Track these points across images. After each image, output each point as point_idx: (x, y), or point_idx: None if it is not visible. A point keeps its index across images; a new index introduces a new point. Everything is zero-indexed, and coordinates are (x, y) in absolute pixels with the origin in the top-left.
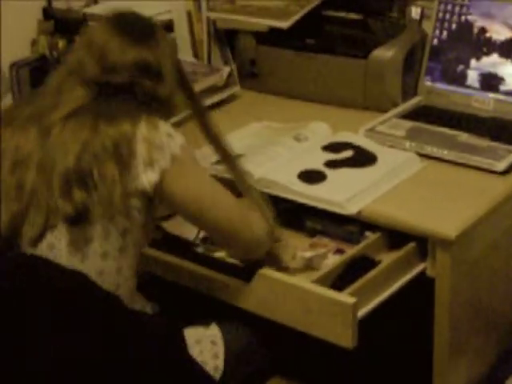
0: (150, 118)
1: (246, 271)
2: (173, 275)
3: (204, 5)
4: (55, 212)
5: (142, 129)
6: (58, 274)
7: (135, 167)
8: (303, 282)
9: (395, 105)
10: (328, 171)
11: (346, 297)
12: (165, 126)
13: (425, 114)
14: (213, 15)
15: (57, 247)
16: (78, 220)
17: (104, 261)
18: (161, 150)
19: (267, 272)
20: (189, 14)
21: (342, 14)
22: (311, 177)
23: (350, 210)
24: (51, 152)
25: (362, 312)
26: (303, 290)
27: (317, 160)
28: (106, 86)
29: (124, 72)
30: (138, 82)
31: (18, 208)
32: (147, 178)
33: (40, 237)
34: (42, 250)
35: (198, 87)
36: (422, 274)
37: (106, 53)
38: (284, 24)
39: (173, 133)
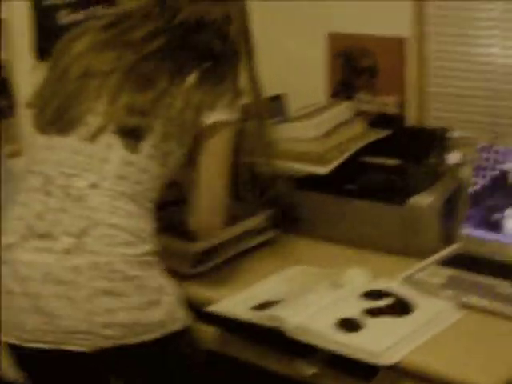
0: None
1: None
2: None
3: (243, 149)
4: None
5: None
6: None
7: None
8: None
9: (434, 251)
10: (365, 320)
11: None
12: None
13: (464, 262)
14: (252, 160)
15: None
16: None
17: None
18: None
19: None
20: None
21: (380, 160)
22: (349, 325)
23: (388, 360)
24: None
25: None
26: None
27: (354, 308)
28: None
29: None
30: None
31: None
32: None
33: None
34: None
35: (238, 229)
36: None
37: None
38: (323, 170)
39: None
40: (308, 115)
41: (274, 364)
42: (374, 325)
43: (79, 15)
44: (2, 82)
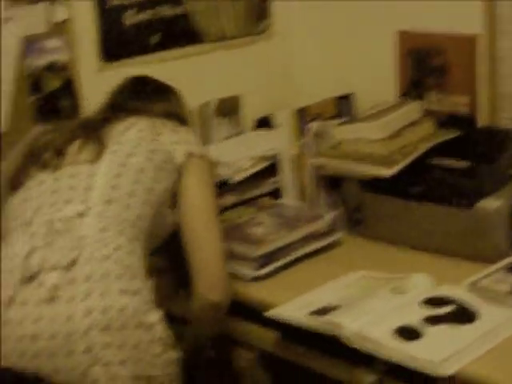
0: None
1: None
2: None
3: (310, 150)
4: None
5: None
6: None
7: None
8: None
9: (502, 257)
10: (425, 328)
11: None
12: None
13: None
14: (318, 161)
15: None
16: None
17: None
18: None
19: None
20: (295, 158)
21: (447, 162)
22: (408, 333)
23: (445, 371)
24: None
25: None
26: None
27: (414, 315)
28: None
29: None
30: None
31: None
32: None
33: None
34: None
35: (301, 233)
36: None
37: None
38: (387, 172)
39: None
40: (375, 116)
41: (333, 370)
42: (433, 333)
43: (145, 15)
44: (66, 83)
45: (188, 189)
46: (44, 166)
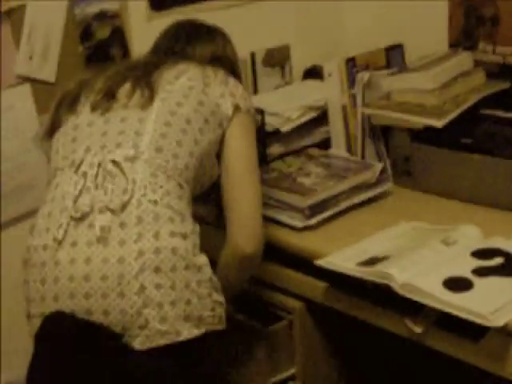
0: None
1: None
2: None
3: (359, 100)
4: None
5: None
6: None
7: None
8: None
9: None
10: (475, 279)
11: None
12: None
13: None
14: (367, 111)
15: None
16: None
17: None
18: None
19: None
20: (344, 109)
21: (499, 113)
22: (457, 285)
23: (496, 322)
24: None
25: None
26: None
27: (464, 267)
28: None
29: None
30: None
31: None
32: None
33: None
34: None
35: (349, 183)
36: None
37: None
38: (439, 123)
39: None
40: (426, 66)
41: (382, 320)
42: (483, 285)
43: None
44: (115, 32)
45: (232, 139)
46: (94, 108)
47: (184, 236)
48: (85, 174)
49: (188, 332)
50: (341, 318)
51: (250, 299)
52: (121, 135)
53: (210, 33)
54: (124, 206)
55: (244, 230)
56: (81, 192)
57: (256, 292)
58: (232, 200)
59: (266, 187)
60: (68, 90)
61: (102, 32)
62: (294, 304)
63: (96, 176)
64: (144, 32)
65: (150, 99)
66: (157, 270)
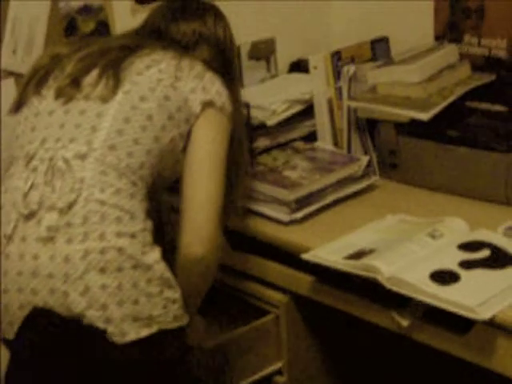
0: None
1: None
2: None
3: (345, 93)
4: None
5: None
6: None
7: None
8: None
9: None
10: (462, 272)
11: None
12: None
13: None
14: (353, 104)
15: None
16: None
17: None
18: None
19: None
20: (329, 102)
21: (485, 106)
22: (443, 277)
23: (483, 315)
24: None
25: None
26: None
27: (451, 259)
28: None
29: None
30: None
31: None
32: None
33: None
34: None
35: (335, 177)
36: None
37: None
38: (425, 116)
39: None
40: (411, 59)
41: (368, 314)
42: (469, 277)
43: None
44: (100, 25)
45: (196, 137)
46: (58, 95)
47: (132, 235)
48: (35, 169)
49: (135, 332)
50: (328, 312)
51: (237, 293)
52: (77, 129)
53: (200, 9)
54: (71, 205)
55: (197, 231)
56: (30, 188)
57: (242, 286)
58: (185, 198)
59: (252, 181)
60: (40, 64)
61: (87, 26)
62: (281, 298)
63: (46, 172)
64: (128, 25)
65: (113, 91)
66: (102, 270)
